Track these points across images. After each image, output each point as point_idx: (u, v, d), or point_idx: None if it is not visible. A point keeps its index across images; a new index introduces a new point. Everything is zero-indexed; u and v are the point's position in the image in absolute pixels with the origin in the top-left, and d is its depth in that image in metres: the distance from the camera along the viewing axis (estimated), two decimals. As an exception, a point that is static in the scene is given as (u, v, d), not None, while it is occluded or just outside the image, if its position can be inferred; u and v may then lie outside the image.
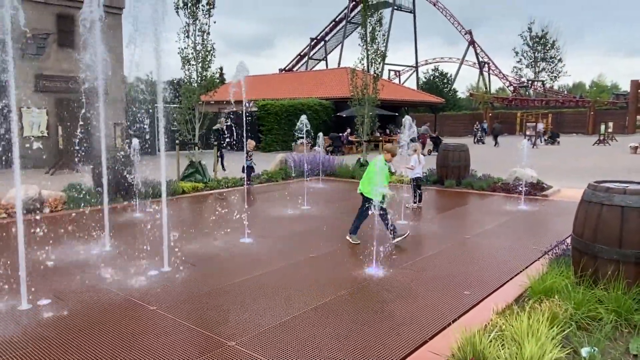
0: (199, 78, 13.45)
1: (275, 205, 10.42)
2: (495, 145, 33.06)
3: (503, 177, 13.34)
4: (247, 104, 7.99)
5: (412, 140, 9.05)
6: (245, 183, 12.30)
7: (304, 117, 11.99)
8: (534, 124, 39.23)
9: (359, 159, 16.56)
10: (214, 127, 18.68)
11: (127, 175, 10.72)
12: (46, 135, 19.39)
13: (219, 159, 17.38)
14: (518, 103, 53.80)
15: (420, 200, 10.11)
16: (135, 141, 9.89)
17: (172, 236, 7.27)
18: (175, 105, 14.47)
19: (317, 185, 13.22)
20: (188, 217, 9.27)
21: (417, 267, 6.20)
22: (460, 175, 13.23)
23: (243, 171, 13.07)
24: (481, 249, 6.95)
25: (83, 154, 17.61)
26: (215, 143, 15.60)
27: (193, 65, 13.27)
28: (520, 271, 6.05)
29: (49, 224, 8.77)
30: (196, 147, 13.65)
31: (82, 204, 10.15)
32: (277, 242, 7.32)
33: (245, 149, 11.51)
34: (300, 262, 6.39)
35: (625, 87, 72.67)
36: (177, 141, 13.98)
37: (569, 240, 6.69)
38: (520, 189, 11.60)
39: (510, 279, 5.82)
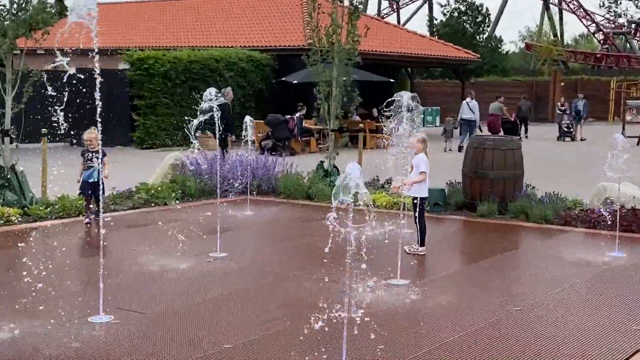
0: (15, 6, 8.70)
1: (157, 250, 7.39)
2: (523, 138, 21.39)
3: (584, 198, 9.68)
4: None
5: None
6: (86, 214, 8.07)
7: (212, 90, 7.49)
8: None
9: (322, 162, 10.88)
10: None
11: None
12: None
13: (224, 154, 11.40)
14: (613, 63, 35.76)
15: (422, 242, 7.32)
16: None
17: None
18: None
19: (242, 213, 9.33)
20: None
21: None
22: (507, 195, 9.15)
23: (82, 192, 8.28)
24: (542, 332, 5.01)
25: None
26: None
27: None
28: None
29: None
30: (5, 140, 8.63)
31: None
32: (156, 324, 5.05)
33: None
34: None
35: None
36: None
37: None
38: (613, 220, 8.19)
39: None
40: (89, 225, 7.81)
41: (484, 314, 5.31)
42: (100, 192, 7.03)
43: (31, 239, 7.47)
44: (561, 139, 22.61)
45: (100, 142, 7.22)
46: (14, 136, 8.98)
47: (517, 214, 8.54)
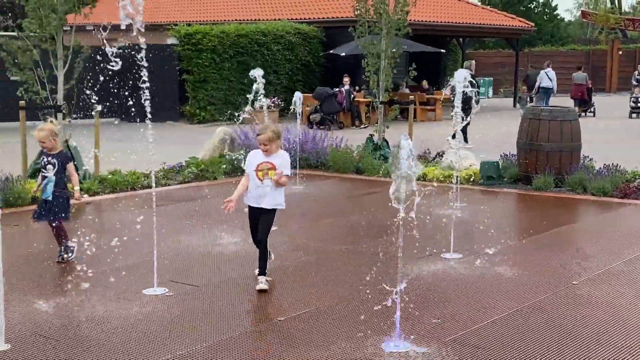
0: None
1: (209, 225, 7.09)
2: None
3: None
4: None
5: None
6: (59, 248, 5.34)
7: (257, 72, 7.62)
8: None
9: (371, 135, 10.48)
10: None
11: None
12: None
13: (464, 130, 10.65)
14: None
15: (262, 271, 5.04)
16: None
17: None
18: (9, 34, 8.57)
19: (292, 187, 8.93)
20: (39, 250, 6.05)
21: (475, 342, 4.11)
22: (563, 168, 8.63)
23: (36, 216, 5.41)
24: (603, 306, 4.77)
25: None
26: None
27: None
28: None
29: None
30: (59, 115, 8.25)
31: None
32: (212, 296, 4.93)
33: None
34: (254, 333, 4.29)
35: None
36: (22, 102, 8.23)
37: None
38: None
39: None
40: (63, 261, 5.18)
41: (546, 286, 5.07)
42: (59, 216, 5.05)
43: (87, 213, 7.13)
44: (633, 115, 18.12)
45: (55, 141, 5.13)
46: (65, 112, 8.74)
47: (574, 187, 8.05)
